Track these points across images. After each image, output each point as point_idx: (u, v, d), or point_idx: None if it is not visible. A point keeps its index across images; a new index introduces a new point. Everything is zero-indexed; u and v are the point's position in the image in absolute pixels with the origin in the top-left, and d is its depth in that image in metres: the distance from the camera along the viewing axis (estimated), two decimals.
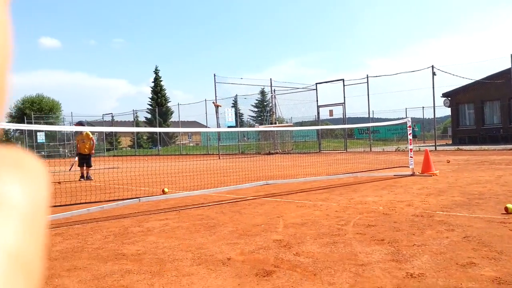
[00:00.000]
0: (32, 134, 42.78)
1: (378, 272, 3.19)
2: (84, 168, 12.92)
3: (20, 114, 49.39)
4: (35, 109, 49.70)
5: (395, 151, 22.94)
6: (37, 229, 0.26)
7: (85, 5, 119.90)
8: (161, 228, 5.06)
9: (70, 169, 15.15)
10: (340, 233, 4.43)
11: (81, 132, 13.30)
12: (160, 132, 40.19)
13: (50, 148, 45.10)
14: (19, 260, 0.24)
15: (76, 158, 14.09)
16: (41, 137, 43.06)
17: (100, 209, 6.09)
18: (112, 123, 45.37)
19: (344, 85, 24.58)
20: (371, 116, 24.69)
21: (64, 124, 44.98)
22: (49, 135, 44.40)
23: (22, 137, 47.03)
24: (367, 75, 23.48)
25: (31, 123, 41.30)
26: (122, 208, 6.47)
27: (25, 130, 40.12)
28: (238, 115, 29.84)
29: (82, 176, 12.84)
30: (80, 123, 14.29)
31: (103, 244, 4.40)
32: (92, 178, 12.74)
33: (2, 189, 0.25)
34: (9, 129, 46.76)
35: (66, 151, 44.38)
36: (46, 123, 45.42)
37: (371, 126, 24.52)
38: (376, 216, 5.30)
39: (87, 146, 13.09)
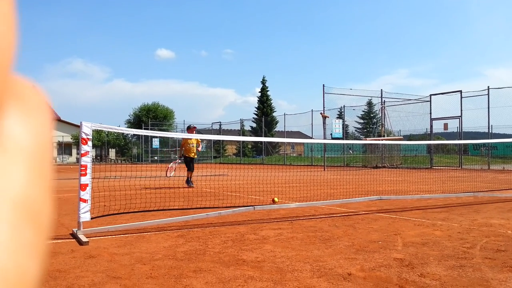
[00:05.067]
0: (148, 139, 46.11)
1: None
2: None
3: (137, 120, 53.59)
4: (151, 116, 53.54)
5: None
6: (43, 173, 0.23)
7: (199, 17, 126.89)
8: (276, 237, 5.15)
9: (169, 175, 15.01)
10: (467, 257, 4.15)
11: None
12: (265, 142, 40.98)
13: (163, 154, 48.21)
14: (27, 209, 0.21)
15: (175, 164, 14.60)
16: (155, 143, 46.19)
17: (218, 215, 6.36)
18: (220, 131, 47.32)
19: (461, 97, 23.08)
20: (489, 131, 22.86)
21: (176, 131, 47.79)
22: (163, 141, 47.49)
23: (138, 142, 51.00)
24: (488, 87, 21.82)
25: (147, 129, 44.45)
26: (237, 215, 6.70)
27: (142, 135, 43.38)
28: (344, 127, 29.42)
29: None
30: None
31: (223, 248, 4.59)
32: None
33: (3, 126, 0.22)
34: (127, 134, 51.02)
35: (177, 156, 47.16)
36: (160, 130, 48.62)
37: (492, 142, 22.67)
38: (505, 241, 4.88)
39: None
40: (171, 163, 15.08)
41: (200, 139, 13.82)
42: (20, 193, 0.21)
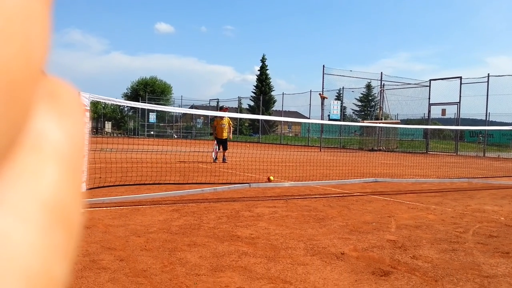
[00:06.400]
0: (144, 113, 45.88)
1: (506, 287, 2.97)
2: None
3: (135, 94, 53.23)
4: (149, 90, 53.16)
5: None
6: (76, 175, 0.22)
7: None
8: (271, 215, 5.17)
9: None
10: (459, 241, 4.19)
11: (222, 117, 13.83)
12: (261, 120, 40.91)
13: (159, 128, 48.09)
14: (57, 212, 0.21)
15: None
16: (152, 118, 45.98)
17: (213, 191, 6.37)
18: (217, 108, 47.13)
19: (461, 83, 22.99)
20: (486, 118, 22.88)
21: (173, 106, 47.47)
22: (160, 116, 47.29)
23: (135, 116, 50.78)
24: (488, 74, 21.72)
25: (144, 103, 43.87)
26: (232, 192, 6.71)
27: (139, 109, 43.15)
28: (342, 108, 29.33)
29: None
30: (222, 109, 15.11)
31: (217, 224, 4.61)
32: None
33: (37, 126, 0.20)
34: (124, 107, 50.76)
35: (173, 131, 47.06)
36: (158, 105, 48.22)
37: (488, 130, 22.68)
38: (498, 227, 4.92)
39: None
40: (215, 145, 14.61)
41: (230, 121, 14.15)
42: (52, 195, 0.21)
